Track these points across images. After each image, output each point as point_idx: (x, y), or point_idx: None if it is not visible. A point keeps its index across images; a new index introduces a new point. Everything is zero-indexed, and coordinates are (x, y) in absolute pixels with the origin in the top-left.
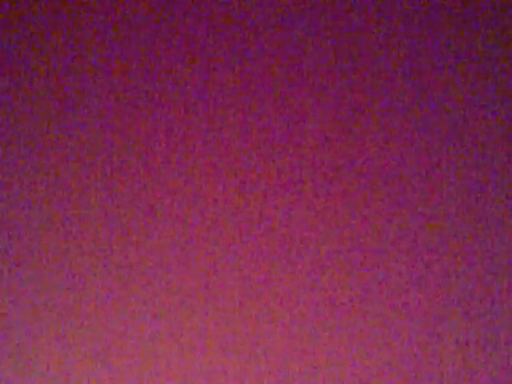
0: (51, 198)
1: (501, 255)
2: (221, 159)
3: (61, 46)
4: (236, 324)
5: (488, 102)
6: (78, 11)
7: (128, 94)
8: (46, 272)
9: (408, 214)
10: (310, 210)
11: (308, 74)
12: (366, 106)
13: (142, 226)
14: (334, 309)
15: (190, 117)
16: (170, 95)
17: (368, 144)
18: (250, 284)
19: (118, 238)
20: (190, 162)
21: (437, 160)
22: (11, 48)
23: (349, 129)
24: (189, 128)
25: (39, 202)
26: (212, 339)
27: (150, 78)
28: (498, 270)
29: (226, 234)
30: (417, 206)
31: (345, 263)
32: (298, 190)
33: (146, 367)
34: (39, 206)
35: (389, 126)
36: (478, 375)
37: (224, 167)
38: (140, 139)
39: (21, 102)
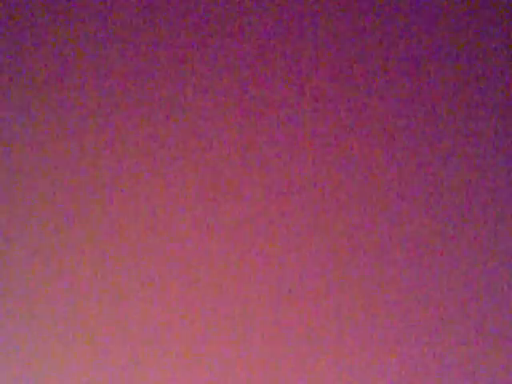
0: (50, 200)
1: (501, 255)
2: (220, 161)
3: (59, 45)
4: (236, 327)
5: (488, 101)
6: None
7: (127, 94)
8: (47, 274)
9: (408, 215)
10: (309, 212)
11: (308, 74)
12: (367, 106)
13: (143, 225)
14: (334, 310)
15: (189, 117)
16: (170, 97)
17: (368, 146)
18: (249, 284)
19: (119, 239)
20: (189, 162)
21: (437, 160)
22: (11, 48)
23: (349, 130)
24: (189, 128)
25: (39, 202)
26: (213, 342)
27: (149, 81)
28: (499, 271)
29: (226, 239)
30: (417, 207)
31: (345, 264)
32: (297, 193)
33: (145, 368)
34: (39, 206)
35: (389, 127)
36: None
37: (223, 171)
38: (139, 139)
39: (20, 101)
